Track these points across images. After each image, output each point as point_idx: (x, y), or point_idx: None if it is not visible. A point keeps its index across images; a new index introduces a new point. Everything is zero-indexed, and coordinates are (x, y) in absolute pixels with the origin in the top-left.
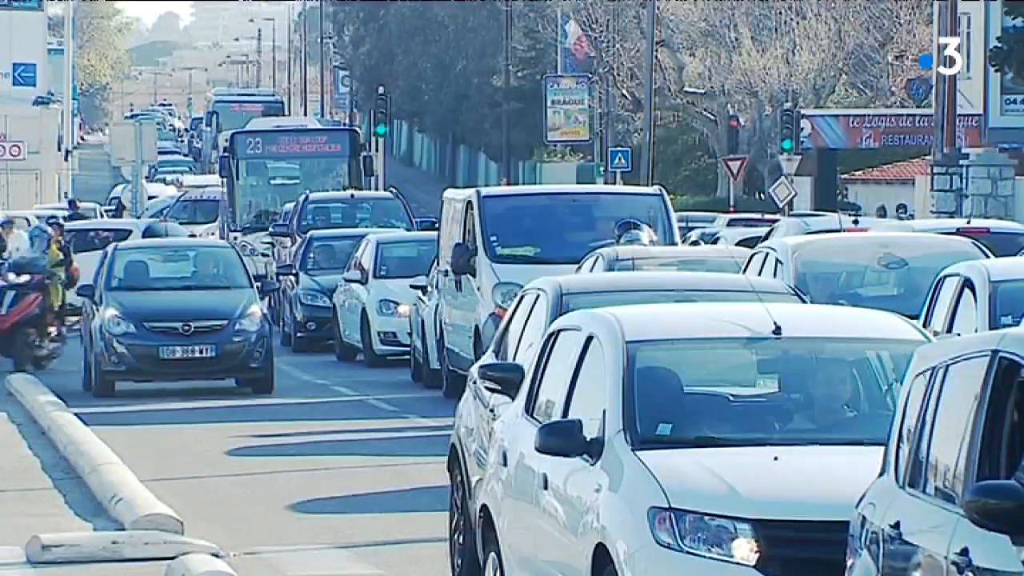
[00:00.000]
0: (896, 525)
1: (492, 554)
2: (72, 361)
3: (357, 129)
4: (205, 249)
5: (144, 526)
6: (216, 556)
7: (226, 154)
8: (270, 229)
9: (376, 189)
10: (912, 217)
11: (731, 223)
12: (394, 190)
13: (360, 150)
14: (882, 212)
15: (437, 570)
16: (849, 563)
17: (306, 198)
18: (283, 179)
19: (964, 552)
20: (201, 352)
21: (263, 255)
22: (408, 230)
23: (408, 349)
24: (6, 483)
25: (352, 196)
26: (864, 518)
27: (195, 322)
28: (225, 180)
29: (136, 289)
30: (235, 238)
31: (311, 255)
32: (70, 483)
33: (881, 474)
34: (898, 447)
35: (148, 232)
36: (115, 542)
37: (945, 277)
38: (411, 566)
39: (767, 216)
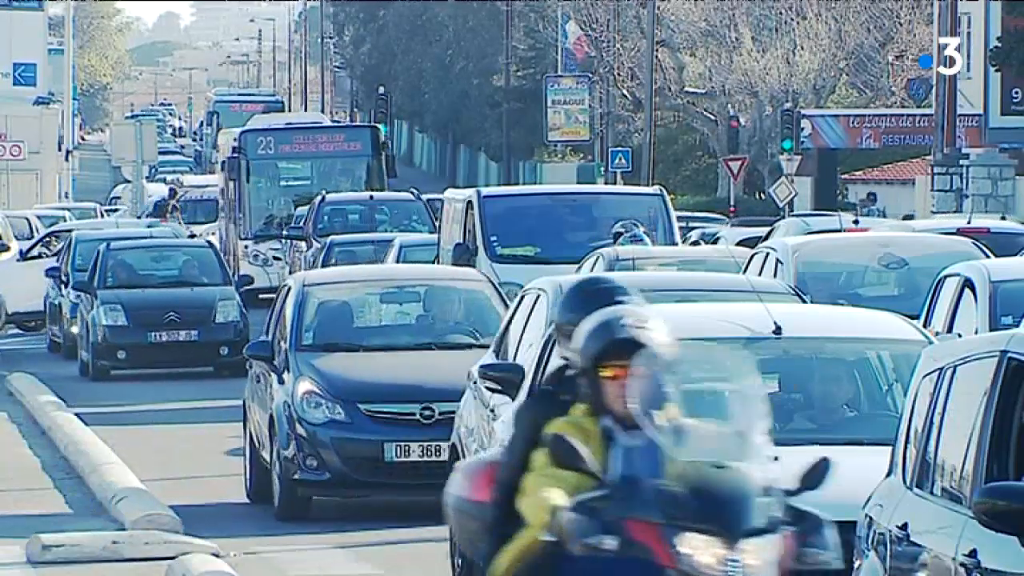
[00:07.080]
0: (904, 526)
1: None
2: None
3: (378, 126)
4: (442, 284)
5: (144, 526)
6: (216, 556)
7: (235, 154)
8: (284, 233)
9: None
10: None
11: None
12: (415, 191)
13: (382, 148)
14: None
15: (437, 570)
16: (856, 564)
17: (322, 199)
18: (298, 181)
19: (972, 554)
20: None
21: (275, 259)
22: (431, 233)
23: None
24: (6, 483)
25: (371, 197)
26: (871, 519)
27: (439, 404)
28: (233, 183)
29: (340, 350)
30: (245, 247)
31: (332, 261)
32: (70, 483)
33: (888, 475)
34: (905, 448)
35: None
36: (115, 542)
37: (945, 277)
38: (411, 566)
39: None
